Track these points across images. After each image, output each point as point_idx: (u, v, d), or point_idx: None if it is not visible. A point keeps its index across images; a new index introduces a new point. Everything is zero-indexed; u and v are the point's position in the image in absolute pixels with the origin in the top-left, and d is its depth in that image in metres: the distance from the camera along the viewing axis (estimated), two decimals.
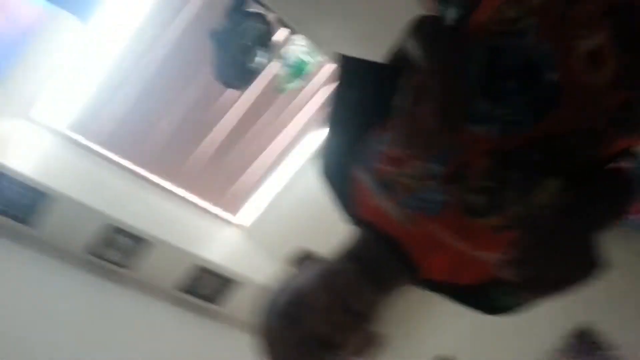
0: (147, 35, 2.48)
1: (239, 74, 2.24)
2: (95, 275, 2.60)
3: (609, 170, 0.81)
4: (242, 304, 2.90)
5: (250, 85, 2.40)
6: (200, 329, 2.90)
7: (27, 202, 2.29)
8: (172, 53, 2.55)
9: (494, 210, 0.77)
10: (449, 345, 2.98)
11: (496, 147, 0.76)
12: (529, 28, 0.74)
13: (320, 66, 2.73)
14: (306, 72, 2.48)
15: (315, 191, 3.07)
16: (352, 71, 0.90)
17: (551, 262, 0.70)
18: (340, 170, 0.89)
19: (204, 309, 2.97)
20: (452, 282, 0.86)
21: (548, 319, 2.60)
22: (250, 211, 3.22)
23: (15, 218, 2.31)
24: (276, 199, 3.17)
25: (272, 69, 2.57)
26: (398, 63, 0.86)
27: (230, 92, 2.72)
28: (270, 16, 2.25)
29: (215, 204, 3.15)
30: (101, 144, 2.74)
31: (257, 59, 2.25)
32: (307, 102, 2.93)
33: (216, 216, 3.17)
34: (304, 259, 0.92)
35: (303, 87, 2.78)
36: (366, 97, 0.87)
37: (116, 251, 2.60)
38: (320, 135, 2.98)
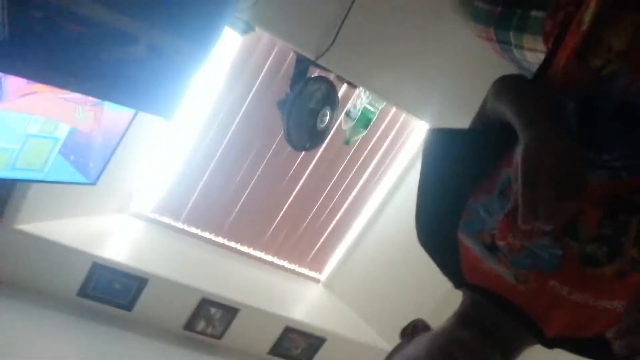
0: (220, 114, 2.61)
1: (309, 136, 2.30)
2: (193, 349, 2.64)
3: None
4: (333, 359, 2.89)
5: (321, 145, 2.46)
6: None
7: (127, 289, 2.38)
8: (244, 126, 2.66)
9: (614, 256, 0.74)
10: None
11: (608, 194, 0.74)
12: (620, 71, 0.73)
13: (384, 114, 2.79)
14: (371, 122, 2.53)
15: (387, 239, 3.06)
16: (440, 139, 0.88)
17: None
18: (441, 238, 0.87)
19: None
20: (578, 337, 0.81)
21: None
22: (331, 266, 3.24)
23: (118, 305, 2.41)
24: (351, 251, 3.18)
25: (339, 125, 2.64)
26: (486, 126, 0.85)
27: (304, 155, 2.81)
28: (332, 75, 2.32)
29: (300, 265, 3.19)
30: (187, 222, 2.86)
31: (325, 119, 2.31)
32: (374, 152, 2.97)
33: (301, 276, 3.21)
34: (415, 327, 0.90)
35: (369, 137, 2.84)
36: (458, 165, 0.85)
37: (210, 323, 2.65)
38: (392, 185, 3.03)
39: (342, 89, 2.53)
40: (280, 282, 3.07)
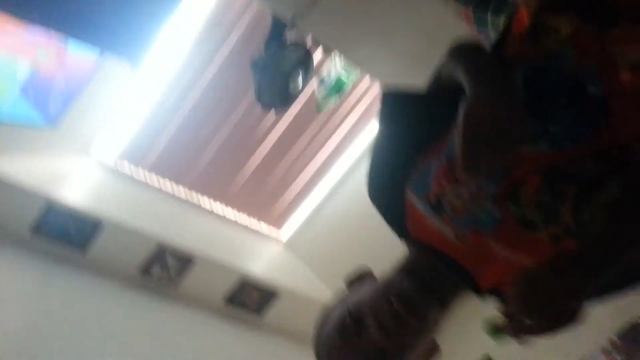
0: (191, 67, 2.55)
1: (279, 97, 2.28)
2: (146, 294, 2.69)
3: None
4: (286, 314, 2.98)
5: (290, 107, 2.44)
6: (245, 339, 2.99)
7: (82, 231, 2.39)
8: (216, 80, 2.62)
9: (550, 222, 0.78)
10: (495, 344, 3.01)
11: (549, 163, 0.77)
12: (567, 52, 0.76)
13: (357, 83, 2.76)
14: (344, 90, 2.51)
15: (352, 205, 3.11)
16: (394, 102, 0.90)
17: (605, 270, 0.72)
18: (390, 195, 0.91)
19: (249, 320, 3.05)
20: (505, 288, 0.86)
21: (600, 315, 2.60)
22: (292, 226, 3.29)
23: (72, 246, 2.42)
24: (315, 213, 3.23)
25: (310, 89, 2.61)
26: (440, 88, 0.86)
27: (272, 114, 2.78)
28: (308, 39, 2.28)
29: (260, 220, 3.22)
30: (150, 170, 2.84)
31: (297, 81, 2.28)
32: (344, 119, 2.96)
33: (261, 232, 3.25)
34: (361, 276, 0.95)
35: (340, 104, 2.82)
36: (411, 127, 0.88)
37: (166, 270, 2.70)
38: (360, 153, 3.04)
39: (318, 57, 2.49)
40: (241, 236, 3.11)
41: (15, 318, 2.07)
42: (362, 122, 3.01)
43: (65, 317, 2.24)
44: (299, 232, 3.25)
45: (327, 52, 2.41)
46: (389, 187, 0.91)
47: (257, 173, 3.00)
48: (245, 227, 3.16)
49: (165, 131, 2.71)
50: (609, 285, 0.76)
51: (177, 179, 2.90)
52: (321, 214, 3.13)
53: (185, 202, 2.93)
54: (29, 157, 2.35)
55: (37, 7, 1.34)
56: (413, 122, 0.88)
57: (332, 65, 2.48)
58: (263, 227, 3.23)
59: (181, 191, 2.92)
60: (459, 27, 2.08)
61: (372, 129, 3.04)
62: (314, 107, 2.62)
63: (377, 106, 0.92)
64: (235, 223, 3.12)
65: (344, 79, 2.47)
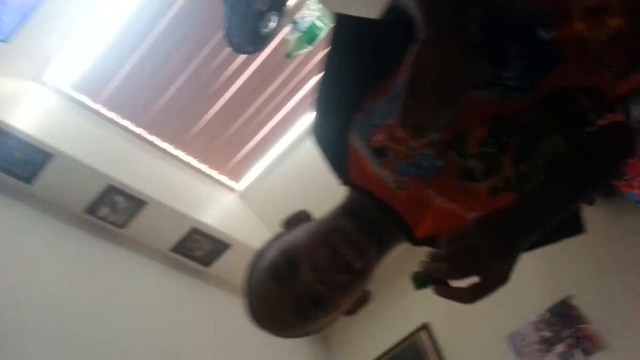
0: None
1: (250, 39, 2.20)
2: (93, 234, 2.59)
3: (609, 125, 0.81)
4: (234, 266, 2.94)
5: (261, 51, 2.36)
6: (191, 289, 2.94)
7: (29, 161, 2.24)
8: (181, 17, 2.48)
9: (491, 174, 0.77)
10: (434, 313, 3.11)
11: (497, 113, 0.75)
12: None
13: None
14: (317, 39, 2.45)
15: (310, 161, 3.10)
16: (344, 32, 0.81)
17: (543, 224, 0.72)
18: (334, 137, 0.85)
19: (196, 270, 3.00)
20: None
21: (534, 289, 2.73)
22: (249, 178, 3.22)
23: (17, 176, 2.27)
24: (273, 166, 3.17)
25: (282, 36, 2.53)
26: (395, 20, 0.79)
27: (240, 58, 2.67)
28: None
29: (217, 170, 3.13)
30: (106, 105, 2.69)
31: (270, 24, 2.20)
32: (313, 72, 2.90)
33: (217, 182, 3.16)
34: (298, 218, 0.89)
35: (311, 55, 2.75)
36: (358, 61, 0.80)
37: (114, 211, 2.59)
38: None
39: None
40: (195, 184, 3.02)
41: None
42: None
43: (1, 249, 2.13)
44: (255, 184, 3.19)
45: None
46: (334, 128, 0.84)
47: (218, 120, 2.91)
48: (201, 175, 3.07)
49: (124, 65, 2.56)
50: (536, 242, 0.75)
51: (133, 119, 2.76)
52: (280, 168, 3.08)
53: (141, 142, 2.80)
54: None
55: None
56: (364, 54, 0.80)
57: (307, 11, 2.40)
58: (219, 176, 3.14)
59: (137, 131, 2.78)
60: None
61: None
62: (284, 55, 2.55)
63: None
64: (191, 170, 3.03)
65: (318, 26, 2.41)
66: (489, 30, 0.73)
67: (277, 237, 0.86)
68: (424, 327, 3.13)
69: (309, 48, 2.50)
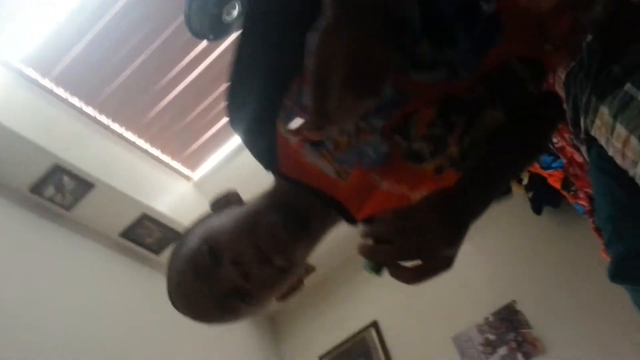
0: None
1: (211, 25, 2.15)
2: (37, 215, 2.50)
3: (541, 95, 0.82)
4: None
5: (224, 40, 2.31)
6: (141, 277, 2.88)
7: None
8: None
9: (439, 152, 0.76)
10: (383, 311, 3.13)
11: (443, 93, 0.73)
12: None
13: None
14: None
15: None
16: (259, 14, 0.71)
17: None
18: (256, 125, 0.76)
19: (146, 257, 2.94)
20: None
21: (482, 293, 2.78)
22: (205, 167, 3.17)
23: None
24: (231, 157, 3.13)
25: None
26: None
27: (202, 45, 2.61)
28: None
29: (174, 158, 3.07)
30: (57, 83, 2.59)
31: (233, 12, 2.16)
32: None
33: (171, 169, 3.10)
34: (227, 199, 0.83)
35: None
36: (277, 46, 0.69)
37: (61, 192, 2.50)
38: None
39: None
40: (148, 170, 2.96)
41: None
42: None
43: None
44: (212, 174, 3.14)
45: None
46: (256, 114, 0.74)
47: (176, 106, 2.84)
48: (155, 161, 3.00)
49: (79, 43, 2.47)
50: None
51: (86, 99, 2.67)
52: (238, 159, 3.04)
53: (93, 123, 2.71)
54: None
55: None
56: (281, 28, 0.68)
57: None
58: (174, 164, 3.08)
59: (89, 111, 2.69)
60: None
61: None
62: None
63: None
64: (145, 155, 2.95)
65: None
66: (430, 7, 0.67)
67: (202, 221, 0.81)
68: (374, 324, 3.16)
69: None
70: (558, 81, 0.84)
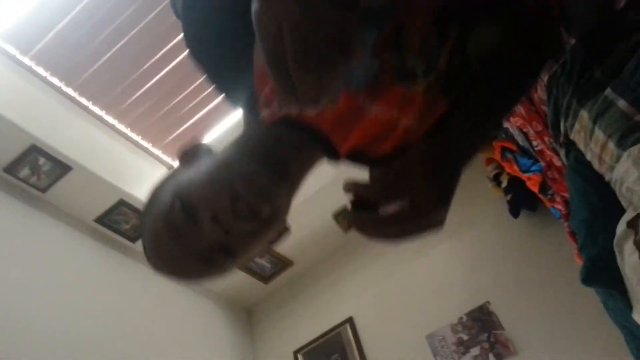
0: None
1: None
2: (11, 195, 2.45)
3: (540, 23, 0.79)
4: None
5: None
6: (116, 264, 2.84)
7: None
8: None
9: (430, 71, 0.71)
10: (359, 308, 3.14)
11: (437, 4, 0.69)
12: None
13: None
14: None
15: None
16: None
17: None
18: (224, 49, 0.67)
19: (122, 245, 2.90)
20: (369, 153, 0.77)
21: (456, 293, 2.80)
22: None
23: None
24: (213, 145, 3.09)
25: None
26: None
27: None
28: None
29: (155, 144, 3.02)
30: (36, 60, 2.52)
31: None
32: None
33: (152, 156, 3.05)
34: (195, 150, 0.76)
35: None
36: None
37: (36, 173, 2.45)
38: None
39: None
40: (128, 155, 2.91)
41: None
42: None
43: None
44: None
45: None
46: (229, 45, 0.66)
47: (159, 92, 2.80)
48: (135, 147, 2.95)
49: (61, 20, 2.41)
50: None
51: (66, 79, 2.61)
52: (221, 147, 3.03)
53: (72, 104, 2.66)
54: None
55: None
56: None
57: None
58: (155, 151, 3.03)
59: (69, 92, 2.63)
60: None
61: None
62: None
63: None
64: (124, 140, 2.90)
65: None
66: None
67: (172, 175, 0.75)
68: (349, 320, 3.16)
69: None
70: (540, 84, 0.84)
